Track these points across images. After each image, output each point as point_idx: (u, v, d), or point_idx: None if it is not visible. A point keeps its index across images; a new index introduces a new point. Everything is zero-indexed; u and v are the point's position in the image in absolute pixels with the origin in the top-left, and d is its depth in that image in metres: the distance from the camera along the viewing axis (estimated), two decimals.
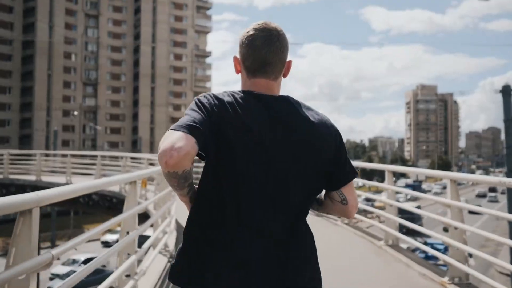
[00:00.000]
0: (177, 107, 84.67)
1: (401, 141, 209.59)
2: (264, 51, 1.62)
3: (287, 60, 1.71)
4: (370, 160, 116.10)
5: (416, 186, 69.93)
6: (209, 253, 1.52)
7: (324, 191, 1.74)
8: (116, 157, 20.12)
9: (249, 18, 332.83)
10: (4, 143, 67.64)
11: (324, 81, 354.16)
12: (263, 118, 1.55)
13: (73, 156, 19.52)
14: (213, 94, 1.58)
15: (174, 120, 76.39)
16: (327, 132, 1.65)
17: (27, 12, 71.53)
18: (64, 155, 21.57)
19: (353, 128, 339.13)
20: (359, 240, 7.60)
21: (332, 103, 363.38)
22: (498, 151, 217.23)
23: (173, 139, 1.38)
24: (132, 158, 17.80)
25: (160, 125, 78.77)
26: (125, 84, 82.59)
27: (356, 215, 8.42)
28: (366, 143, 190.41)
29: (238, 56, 1.70)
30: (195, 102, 1.55)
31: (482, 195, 79.04)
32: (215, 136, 1.49)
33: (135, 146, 76.98)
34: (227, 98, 1.56)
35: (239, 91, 1.62)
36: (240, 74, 1.71)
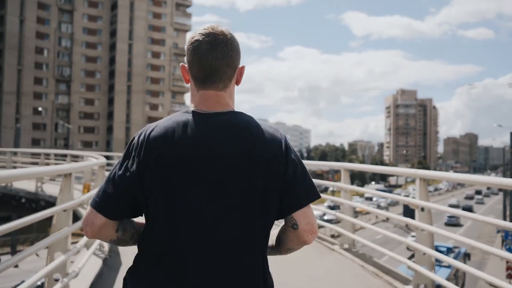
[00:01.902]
0: (154, 107, 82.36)
1: (381, 145, 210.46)
2: (210, 57, 1.51)
3: (240, 66, 1.59)
4: (350, 162, 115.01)
5: (387, 191, 69.03)
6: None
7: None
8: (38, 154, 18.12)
9: (230, 20, 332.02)
10: None
11: (304, 85, 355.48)
12: (196, 148, 1.45)
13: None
14: (142, 134, 1.50)
15: (150, 119, 74.32)
16: (274, 153, 1.49)
17: None
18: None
19: (333, 132, 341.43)
20: (358, 273, 5.72)
21: (312, 107, 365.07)
22: (475, 156, 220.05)
23: (85, 217, 1.49)
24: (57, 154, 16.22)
25: (136, 125, 76.34)
26: (100, 81, 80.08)
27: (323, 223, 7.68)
28: (346, 147, 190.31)
29: (185, 64, 1.59)
30: (124, 152, 1.53)
31: (470, 197, 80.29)
32: (141, 186, 1.46)
33: (109, 146, 74.59)
34: (156, 132, 1.48)
35: (181, 114, 1.52)
36: (190, 85, 1.59)
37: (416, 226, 4.65)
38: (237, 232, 1.44)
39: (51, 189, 12.59)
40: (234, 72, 1.57)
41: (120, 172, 1.47)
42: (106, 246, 5.92)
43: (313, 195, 1.51)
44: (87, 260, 4.70)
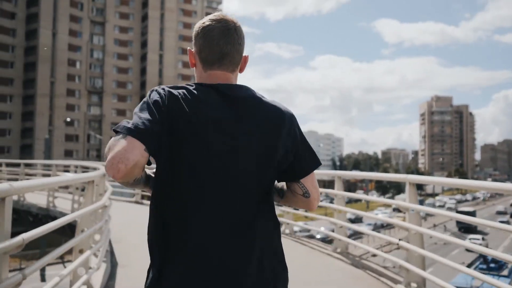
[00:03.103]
0: None
1: (415, 153, 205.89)
2: (222, 42, 1.56)
3: (244, 54, 1.65)
4: (385, 172, 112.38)
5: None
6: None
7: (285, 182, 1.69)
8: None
9: (261, 31, 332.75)
10: (4, 153, 65.66)
11: (336, 94, 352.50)
12: (218, 109, 1.49)
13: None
14: (166, 87, 1.51)
15: None
16: (280, 118, 1.56)
17: (30, 18, 69.69)
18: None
19: (365, 140, 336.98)
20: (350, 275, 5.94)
21: (344, 116, 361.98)
22: None
23: (120, 148, 1.32)
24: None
25: None
26: (132, 92, 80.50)
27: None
28: (379, 155, 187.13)
29: (193, 49, 1.62)
30: (146, 99, 1.49)
31: (502, 212, 70.11)
32: (168, 132, 1.43)
33: None
34: (181, 91, 1.49)
35: (196, 83, 1.55)
36: (195, 68, 1.64)
37: (406, 227, 4.95)
38: (256, 188, 1.51)
39: (61, 204, 12.02)
40: (241, 59, 1.63)
41: (151, 110, 1.42)
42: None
43: (317, 161, 1.62)
44: (100, 258, 5.03)
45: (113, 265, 5.93)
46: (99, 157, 73.99)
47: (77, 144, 74.42)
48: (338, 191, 7.02)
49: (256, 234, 1.48)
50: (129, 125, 1.35)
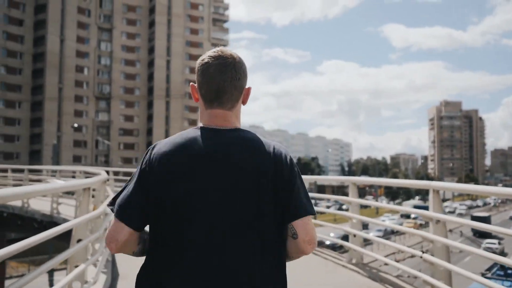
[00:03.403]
0: (193, 122, 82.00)
1: (425, 158, 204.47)
2: (218, 79, 1.60)
3: (246, 87, 1.69)
4: (395, 177, 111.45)
5: (424, 207, 65.57)
6: None
7: None
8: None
9: (267, 36, 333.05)
10: (13, 158, 65.84)
11: (343, 99, 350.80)
12: (204, 158, 1.54)
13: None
14: (157, 145, 1.60)
15: None
16: (269, 162, 1.56)
17: (37, 25, 70.01)
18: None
19: (374, 145, 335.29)
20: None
21: (352, 121, 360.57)
22: None
23: (111, 228, 1.54)
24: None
25: None
26: (139, 98, 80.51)
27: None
28: (388, 160, 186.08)
29: (195, 84, 1.69)
30: (138, 166, 1.61)
31: None
32: (153, 199, 1.54)
33: None
34: (170, 146, 1.56)
35: (192, 130, 1.62)
36: (199, 103, 1.70)
37: (431, 239, 4.58)
38: (249, 239, 1.52)
39: (66, 210, 11.74)
40: (241, 94, 1.65)
41: (135, 184, 1.56)
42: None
43: (311, 209, 1.57)
44: (99, 270, 4.80)
45: (113, 277, 5.61)
46: (107, 162, 74.03)
47: (85, 150, 74.47)
48: (352, 198, 6.69)
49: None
50: (116, 206, 1.54)
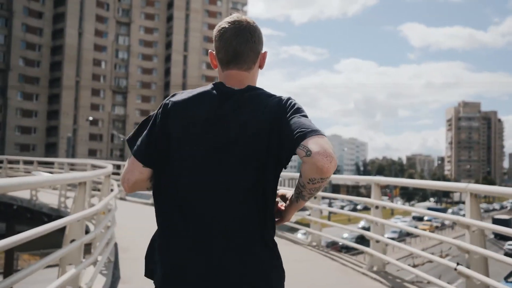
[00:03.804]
0: None
1: (441, 160, 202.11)
2: (235, 42, 1.66)
3: (262, 51, 1.75)
4: (410, 178, 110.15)
5: (439, 210, 64.16)
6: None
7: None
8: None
9: (285, 33, 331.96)
10: (29, 150, 66.32)
11: (360, 98, 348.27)
12: (212, 107, 1.61)
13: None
14: (171, 97, 1.68)
15: None
16: (275, 105, 1.59)
17: (56, 18, 70.36)
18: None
19: (390, 145, 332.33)
20: None
21: (368, 120, 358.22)
22: None
23: (125, 169, 1.65)
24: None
25: None
26: (156, 93, 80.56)
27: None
28: (404, 160, 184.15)
29: (213, 51, 1.75)
30: (151, 114, 1.71)
31: None
32: (164, 138, 1.62)
33: None
34: (180, 97, 1.66)
35: (207, 86, 1.69)
36: (217, 69, 1.76)
37: (466, 249, 4.12)
38: (238, 184, 1.56)
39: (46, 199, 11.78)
40: (257, 57, 1.71)
41: (151, 127, 1.65)
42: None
43: (320, 130, 1.50)
44: (95, 273, 4.36)
45: (114, 279, 5.19)
46: (122, 156, 74.25)
47: (100, 144, 74.77)
48: (375, 200, 6.18)
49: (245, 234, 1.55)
50: (135, 146, 1.64)
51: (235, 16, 1.70)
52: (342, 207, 64.63)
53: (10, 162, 16.95)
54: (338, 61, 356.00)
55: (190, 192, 1.57)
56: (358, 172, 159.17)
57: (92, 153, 71.79)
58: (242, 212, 1.55)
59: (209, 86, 1.66)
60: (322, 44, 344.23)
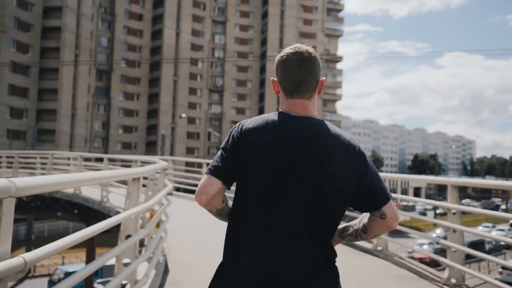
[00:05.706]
0: None
1: None
2: (299, 72, 1.78)
3: (321, 78, 1.87)
4: None
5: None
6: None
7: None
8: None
9: (384, 29, 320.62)
10: (131, 148, 68.75)
11: (465, 94, 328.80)
12: (283, 140, 1.71)
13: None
14: (243, 122, 1.81)
15: None
16: (346, 156, 1.73)
17: (155, 19, 72.34)
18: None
19: (499, 143, 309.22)
20: None
21: (474, 117, 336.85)
22: None
23: (202, 183, 1.74)
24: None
25: None
26: (251, 91, 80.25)
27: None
28: None
29: (275, 78, 1.88)
30: (227, 137, 1.83)
31: None
32: (239, 164, 1.73)
33: None
34: (255, 124, 1.76)
35: (273, 114, 1.79)
36: (279, 95, 1.88)
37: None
38: (313, 225, 1.69)
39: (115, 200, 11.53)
40: (317, 85, 1.83)
41: (224, 151, 1.77)
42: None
43: (390, 194, 1.77)
44: (149, 268, 4.36)
45: (164, 274, 5.37)
46: None
47: (198, 142, 75.80)
48: (451, 204, 5.71)
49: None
50: (210, 165, 1.75)
51: (296, 47, 1.80)
52: (422, 213, 58.37)
53: (86, 159, 16.48)
54: (441, 55, 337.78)
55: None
56: (465, 171, 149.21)
57: (190, 151, 72.99)
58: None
59: (275, 114, 1.76)
60: (423, 39, 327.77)
